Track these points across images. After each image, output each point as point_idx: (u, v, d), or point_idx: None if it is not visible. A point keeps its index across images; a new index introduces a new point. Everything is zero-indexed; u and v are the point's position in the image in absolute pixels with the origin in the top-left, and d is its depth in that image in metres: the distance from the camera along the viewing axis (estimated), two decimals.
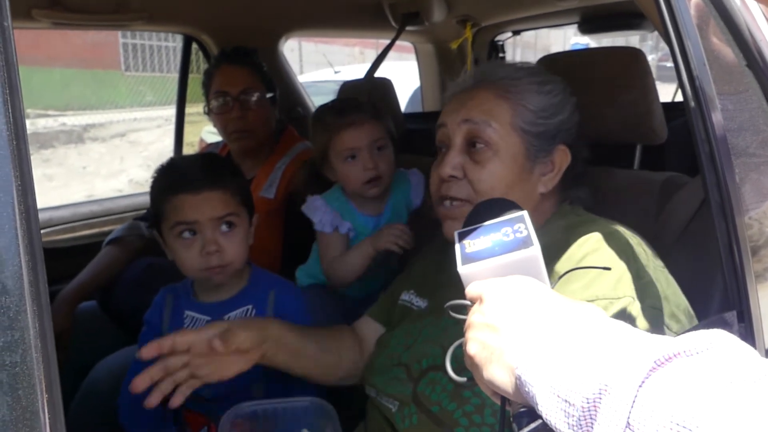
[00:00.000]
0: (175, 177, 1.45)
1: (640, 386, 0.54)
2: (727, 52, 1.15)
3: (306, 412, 1.28)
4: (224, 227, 1.42)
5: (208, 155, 2.01)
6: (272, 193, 2.11)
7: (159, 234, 1.48)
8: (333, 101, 1.91)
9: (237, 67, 2.14)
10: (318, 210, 1.79)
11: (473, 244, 0.87)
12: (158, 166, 1.54)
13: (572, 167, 1.30)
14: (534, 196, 1.28)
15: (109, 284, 2.10)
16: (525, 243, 0.82)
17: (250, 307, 1.49)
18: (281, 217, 2.14)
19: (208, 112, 2.19)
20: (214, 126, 2.21)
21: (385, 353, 1.34)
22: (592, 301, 1.03)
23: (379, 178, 1.75)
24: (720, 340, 0.57)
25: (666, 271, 1.16)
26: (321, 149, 1.80)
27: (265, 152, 2.19)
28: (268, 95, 2.17)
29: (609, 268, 1.04)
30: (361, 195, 1.79)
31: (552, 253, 1.14)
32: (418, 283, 1.44)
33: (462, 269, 0.84)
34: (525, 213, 0.90)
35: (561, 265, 1.12)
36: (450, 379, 0.84)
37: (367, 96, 2.07)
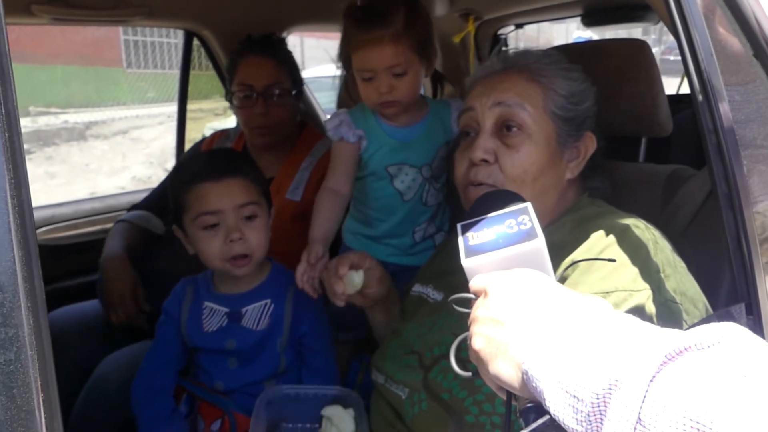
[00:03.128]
0: (197, 168, 1.48)
1: (651, 381, 0.53)
2: (734, 42, 1.13)
3: (332, 399, 1.37)
4: (246, 217, 1.44)
5: (224, 150, 2.01)
6: (299, 196, 2.01)
7: (179, 227, 1.49)
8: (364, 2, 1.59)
9: (263, 58, 2.03)
10: (335, 117, 1.64)
11: (477, 236, 0.86)
12: (177, 162, 1.55)
13: (591, 156, 1.30)
14: (562, 182, 1.28)
15: (145, 249, 2.05)
16: (529, 235, 0.81)
17: (268, 301, 1.50)
18: None
19: (230, 100, 2.09)
20: (236, 116, 2.12)
21: (398, 342, 1.34)
22: (611, 292, 1.03)
23: (394, 101, 1.57)
24: (731, 333, 0.56)
25: (684, 265, 1.15)
26: (345, 56, 1.62)
27: (285, 148, 2.10)
28: (294, 90, 2.08)
29: (614, 260, 1.03)
30: (377, 111, 1.64)
31: (571, 243, 1.14)
32: (436, 276, 1.43)
33: (465, 262, 0.83)
34: (528, 204, 0.89)
35: (580, 256, 1.11)
36: (455, 373, 0.83)
37: None
